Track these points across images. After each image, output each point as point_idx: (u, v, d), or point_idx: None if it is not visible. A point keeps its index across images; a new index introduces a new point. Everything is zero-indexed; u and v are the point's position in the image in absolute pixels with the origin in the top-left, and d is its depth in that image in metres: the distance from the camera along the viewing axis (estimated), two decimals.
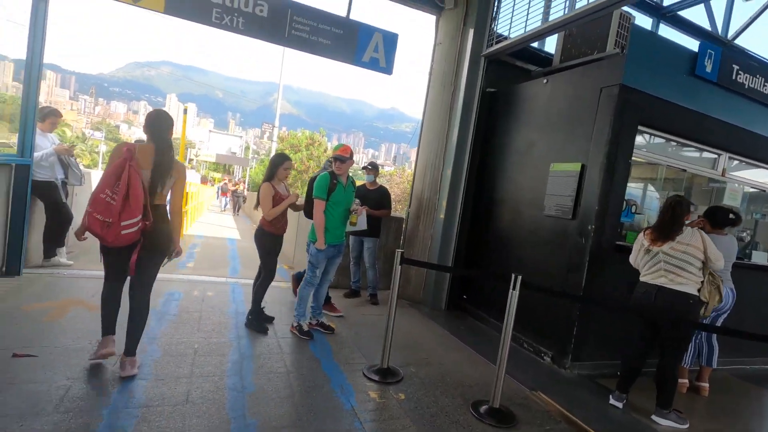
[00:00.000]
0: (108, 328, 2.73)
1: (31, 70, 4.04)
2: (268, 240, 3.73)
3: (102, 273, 2.69)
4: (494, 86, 5.39)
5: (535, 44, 5.72)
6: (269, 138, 22.13)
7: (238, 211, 20.02)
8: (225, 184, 23.18)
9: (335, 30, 4.96)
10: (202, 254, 7.02)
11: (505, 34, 5.03)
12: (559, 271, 3.89)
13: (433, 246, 5.31)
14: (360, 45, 5.09)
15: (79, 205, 6.24)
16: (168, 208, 2.73)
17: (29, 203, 4.16)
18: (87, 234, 2.46)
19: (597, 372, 3.80)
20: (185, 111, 7.37)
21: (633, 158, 3.74)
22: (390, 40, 5.25)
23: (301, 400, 2.59)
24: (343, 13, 5.06)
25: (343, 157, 3.63)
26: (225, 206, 21.73)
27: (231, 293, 4.70)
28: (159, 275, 2.84)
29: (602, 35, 4.62)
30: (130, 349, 2.68)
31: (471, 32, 5.18)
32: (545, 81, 4.49)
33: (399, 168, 33.69)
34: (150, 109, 3.06)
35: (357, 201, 3.78)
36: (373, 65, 5.19)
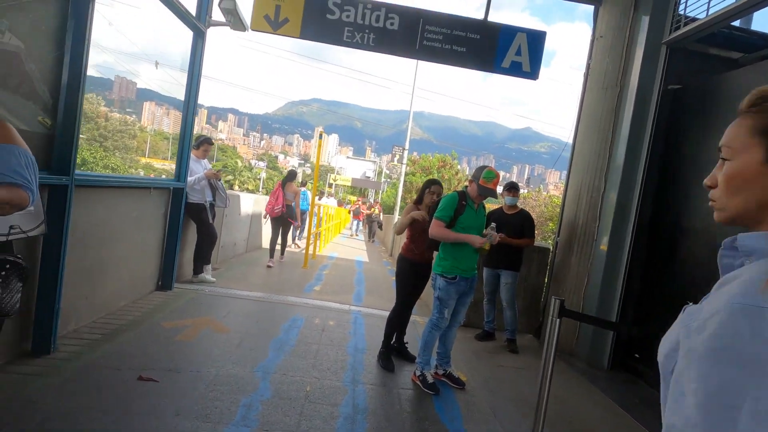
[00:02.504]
0: (271, 254, 7.08)
1: (188, 107, 4.43)
2: (401, 264, 3.49)
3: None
4: (678, 83, 4.16)
5: (736, 23, 4.32)
6: (399, 161, 21.91)
7: (372, 237, 17.25)
8: (359, 206, 20.36)
9: (471, 35, 4.42)
10: (330, 276, 7.03)
11: (695, 15, 3.84)
12: None
13: (591, 285, 4.22)
14: (500, 49, 4.45)
15: (228, 224, 6.83)
16: (293, 205, 7.19)
17: (182, 223, 4.52)
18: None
19: None
20: (320, 136, 7.66)
21: None
22: (535, 41, 4.49)
23: None
24: (480, 17, 4.51)
25: (493, 191, 3.05)
26: (356, 230, 19.32)
27: (352, 324, 4.38)
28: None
29: None
30: (282, 252, 7.60)
31: (645, 19, 4.10)
32: None
33: (534, 190, 31.21)
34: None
35: (492, 225, 3.07)
36: (514, 70, 4.48)
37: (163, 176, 4.75)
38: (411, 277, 3.42)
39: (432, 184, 3.56)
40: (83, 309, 3.25)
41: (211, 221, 4.97)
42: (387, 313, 3.58)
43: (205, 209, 4.89)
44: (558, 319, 2.25)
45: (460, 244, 3.02)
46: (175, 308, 4.00)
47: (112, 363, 2.77)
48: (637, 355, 4.05)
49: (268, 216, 7.06)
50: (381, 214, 18.72)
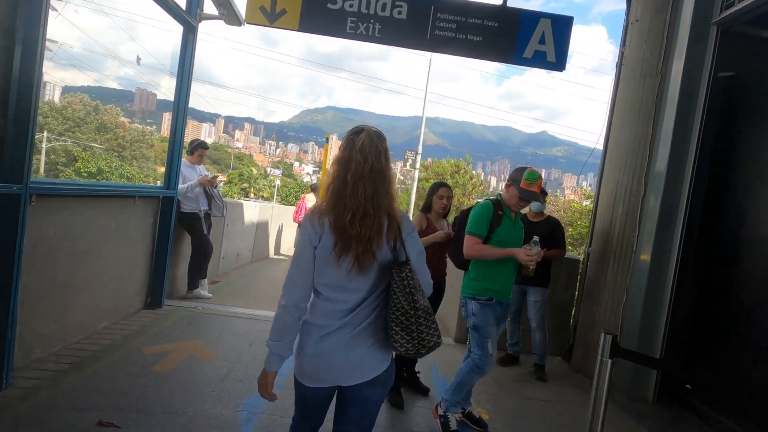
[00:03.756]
0: None
1: (178, 107, 4.07)
2: None
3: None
4: (730, 70, 3.62)
5: None
6: (411, 165, 21.41)
7: None
8: None
9: (488, 23, 3.96)
10: None
11: None
12: None
13: (631, 303, 3.67)
14: (521, 38, 3.97)
15: (231, 234, 6.47)
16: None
17: (172, 234, 4.15)
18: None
19: None
20: (327, 140, 7.32)
21: None
22: (561, 27, 3.99)
23: None
24: (498, 2, 4.06)
25: (537, 195, 2.57)
26: None
27: None
28: None
29: None
30: None
31: None
32: None
33: (553, 194, 30.25)
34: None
35: (536, 239, 2.56)
36: (538, 61, 3.99)
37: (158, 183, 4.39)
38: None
39: (440, 186, 3.12)
40: (51, 334, 2.88)
41: (205, 232, 4.59)
42: None
43: (200, 219, 4.52)
44: (610, 360, 1.75)
45: (496, 261, 2.53)
46: (161, 330, 3.61)
47: (72, 402, 2.37)
48: (688, 386, 3.48)
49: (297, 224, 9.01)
50: None
